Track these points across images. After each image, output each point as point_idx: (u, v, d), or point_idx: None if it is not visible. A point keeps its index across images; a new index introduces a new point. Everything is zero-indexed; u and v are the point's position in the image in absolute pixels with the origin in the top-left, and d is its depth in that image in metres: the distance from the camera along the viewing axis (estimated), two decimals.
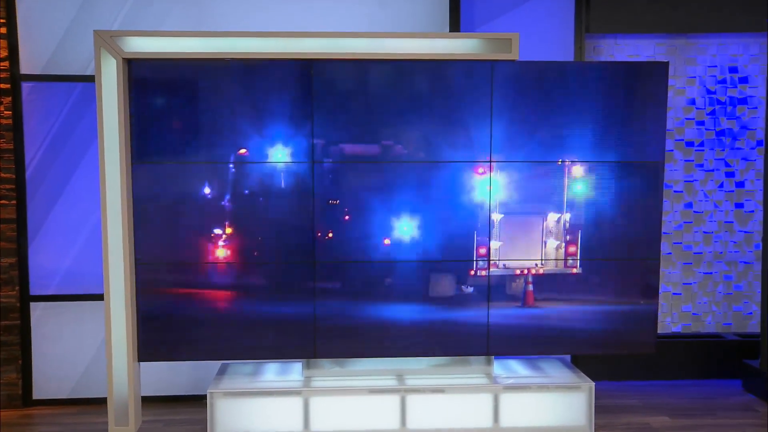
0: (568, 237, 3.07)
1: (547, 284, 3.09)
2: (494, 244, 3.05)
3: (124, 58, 2.84)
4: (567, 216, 3.06)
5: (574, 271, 3.09)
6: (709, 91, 3.89)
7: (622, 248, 3.08)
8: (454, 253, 3.04)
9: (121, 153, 2.88)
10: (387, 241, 3.03)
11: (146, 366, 3.33)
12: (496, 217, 3.04)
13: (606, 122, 3.02)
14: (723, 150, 3.91)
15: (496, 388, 3.04)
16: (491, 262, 3.06)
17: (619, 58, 3.82)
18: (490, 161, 3.00)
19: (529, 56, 3.34)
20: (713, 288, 3.97)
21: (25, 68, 3.33)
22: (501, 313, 3.08)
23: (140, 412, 3.12)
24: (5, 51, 3.30)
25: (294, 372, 3.23)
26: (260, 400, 2.98)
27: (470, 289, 3.06)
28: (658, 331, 3.33)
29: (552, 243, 3.09)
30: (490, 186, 3.01)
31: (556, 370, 3.25)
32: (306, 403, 2.99)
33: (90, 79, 3.31)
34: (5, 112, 3.33)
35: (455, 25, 3.45)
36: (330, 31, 3.34)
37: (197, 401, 3.49)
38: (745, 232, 3.94)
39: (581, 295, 3.10)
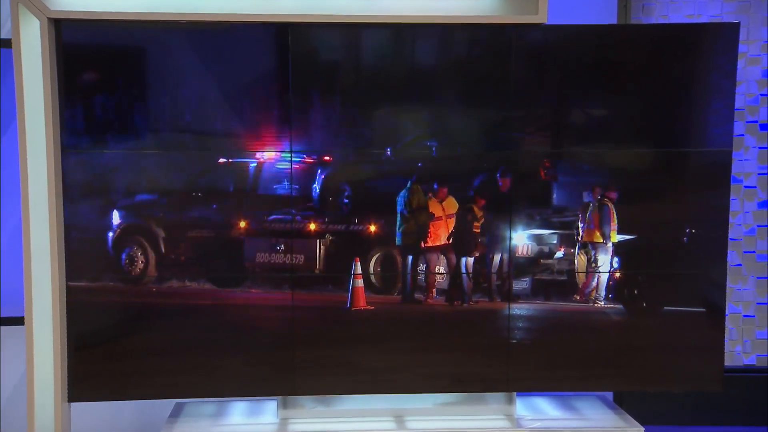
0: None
1: (584, 303, 3.15)
2: (519, 248, 3.12)
3: (50, 18, 2.85)
4: (608, 218, 3.11)
5: (619, 286, 3.14)
6: None
7: (679, 258, 3.13)
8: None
9: (48, 138, 2.90)
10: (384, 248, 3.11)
11: (79, 408, 3.33)
12: (520, 217, 3.10)
13: (658, 101, 3.06)
14: None
15: None
16: (511, 273, 3.12)
17: (675, 19, 3.84)
18: (510, 150, 3.06)
19: (560, 18, 3.35)
20: None
21: None
22: (525, 337, 3.13)
23: None
24: None
25: (267, 412, 3.27)
26: None
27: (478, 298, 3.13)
28: (726, 364, 3.34)
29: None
30: (509, 180, 3.07)
31: (594, 411, 3.29)
32: None
33: (6, 44, 3.31)
34: None
35: None
36: None
37: None
38: None
39: (626, 316, 3.15)
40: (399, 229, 3.09)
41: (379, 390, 3.15)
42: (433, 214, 3.08)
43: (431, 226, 3.09)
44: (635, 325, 3.16)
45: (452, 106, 3.08)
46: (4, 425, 3.53)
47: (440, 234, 3.10)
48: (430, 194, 3.07)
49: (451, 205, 3.09)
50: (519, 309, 3.12)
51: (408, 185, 3.06)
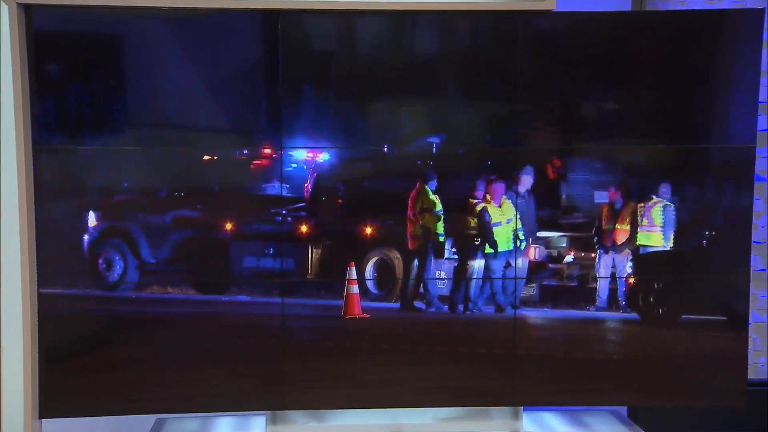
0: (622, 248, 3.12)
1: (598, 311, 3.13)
2: (529, 253, 3.11)
3: (19, 3, 2.83)
4: (622, 218, 3.10)
5: (633, 293, 3.12)
6: None
7: (697, 262, 3.12)
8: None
9: (18, 134, 2.88)
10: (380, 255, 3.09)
11: (51, 425, 3.29)
12: (527, 221, 3.09)
13: (676, 93, 3.05)
14: None
15: None
16: (519, 279, 3.11)
17: (694, 5, 3.85)
18: (516, 149, 3.04)
19: (569, 5, 3.35)
20: None
21: None
22: (533, 347, 3.10)
23: None
24: None
25: (255, 428, 3.28)
26: None
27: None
28: (749, 377, 3.34)
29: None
30: (515, 181, 3.05)
31: (607, 427, 3.29)
32: None
33: None
34: None
35: None
36: None
37: None
38: None
39: (641, 325, 3.13)
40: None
41: (375, 404, 3.13)
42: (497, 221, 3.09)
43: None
44: (651, 334, 3.14)
45: (454, 100, 3.06)
46: None
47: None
48: (487, 195, 3.06)
49: (510, 208, 3.07)
50: (526, 317, 3.10)
51: (417, 185, 3.05)
